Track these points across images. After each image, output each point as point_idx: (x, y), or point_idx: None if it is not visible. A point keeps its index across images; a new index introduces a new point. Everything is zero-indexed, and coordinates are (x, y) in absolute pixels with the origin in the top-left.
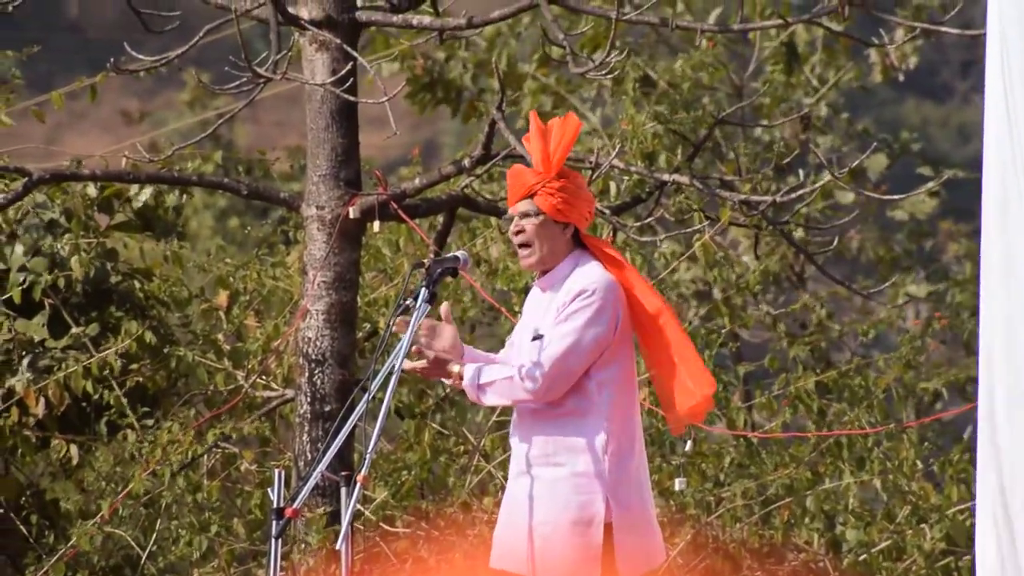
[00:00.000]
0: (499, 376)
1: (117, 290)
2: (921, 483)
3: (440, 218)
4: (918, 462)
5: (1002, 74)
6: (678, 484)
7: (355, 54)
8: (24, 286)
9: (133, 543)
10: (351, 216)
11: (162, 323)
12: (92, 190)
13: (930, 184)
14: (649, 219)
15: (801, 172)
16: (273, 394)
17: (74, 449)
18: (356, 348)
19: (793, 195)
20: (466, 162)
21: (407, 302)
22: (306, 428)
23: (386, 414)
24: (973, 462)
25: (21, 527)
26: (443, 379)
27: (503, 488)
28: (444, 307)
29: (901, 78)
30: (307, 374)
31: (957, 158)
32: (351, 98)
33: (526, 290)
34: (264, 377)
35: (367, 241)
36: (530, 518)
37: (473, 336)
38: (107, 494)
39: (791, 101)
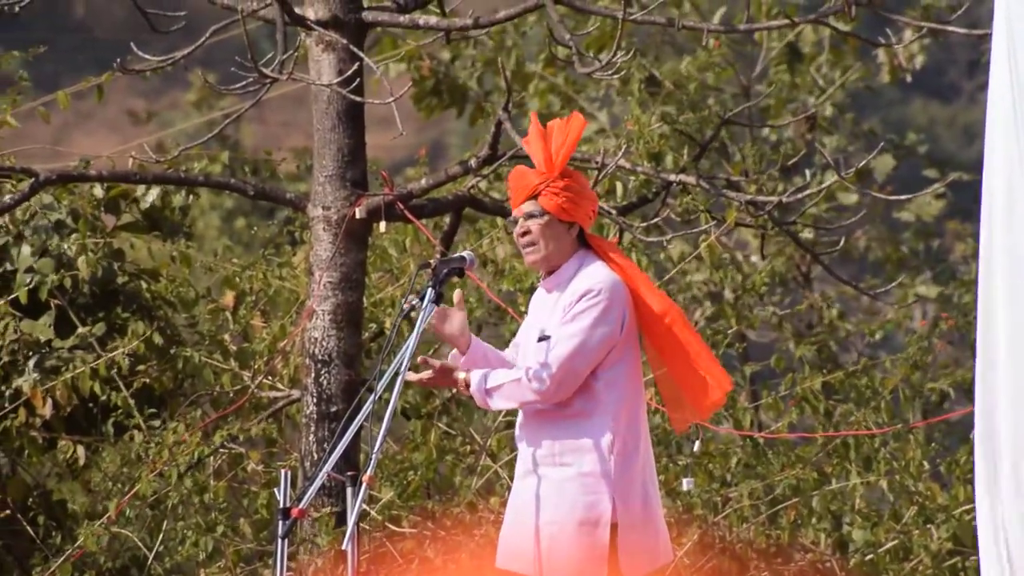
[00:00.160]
0: (506, 379)
1: (124, 291)
2: (928, 483)
3: (446, 218)
4: (925, 462)
5: (1009, 72)
6: (686, 484)
7: (361, 54)
8: (31, 286)
9: (140, 544)
10: (357, 216)
11: (169, 324)
12: (99, 191)
13: (935, 186)
14: (656, 219)
15: (808, 172)
16: (279, 394)
17: (81, 450)
18: (362, 348)
19: (799, 195)
20: (472, 162)
21: (413, 302)
22: (312, 428)
23: (392, 414)
24: None
25: (28, 528)
26: (449, 387)
27: (509, 488)
28: (457, 293)
29: (909, 79)
30: (313, 374)
31: (963, 158)
32: (357, 98)
33: (532, 290)
34: (270, 378)
35: (373, 241)
36: (537, 518)
37: (479, 337)
38: (114, 495)
39: (797, 101)
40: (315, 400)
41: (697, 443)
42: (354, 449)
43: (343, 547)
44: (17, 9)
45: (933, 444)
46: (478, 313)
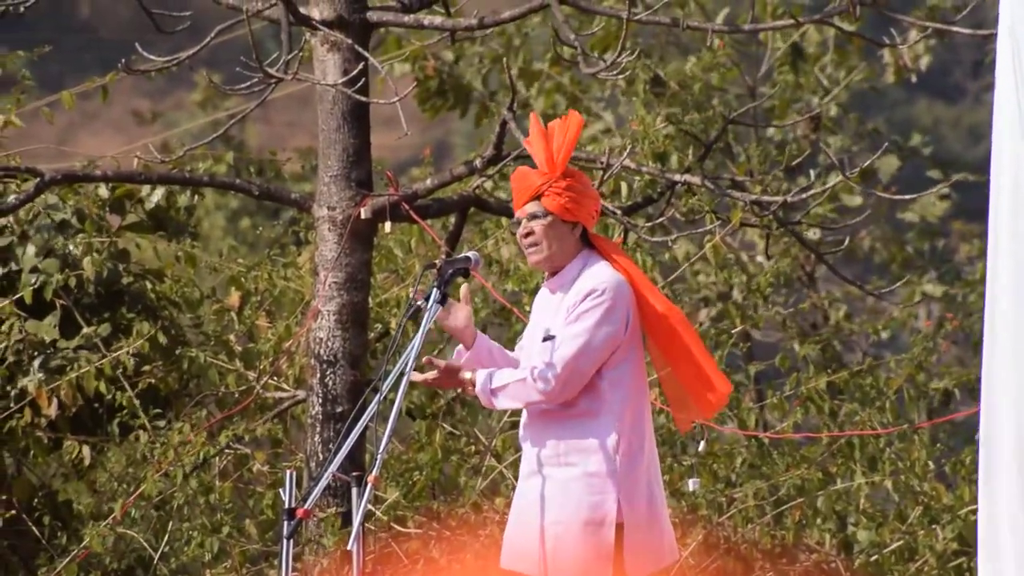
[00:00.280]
0: (511, 379)
1: (129, 291)
2: (933, 484)
3: (452, 219)
4: (930, 463)
5: (1014, 73)
6: (692, 485)
7: (366, 54)
8: (36, 286)
9: (145, 544)
10: (362, 217)
11: (174, 324)
12: (104, 191)
13: (939, 187)
14: (661, 219)
15: (812, 172)
16: (285, 395)
17: (86, 450)
18: (367, 349)
19: (804, 196)
20: (477, 162)
21: (418, 303)
22: (318, 429)
23: (397, 415)
24: None
25: (33, 528)
26: (454, 387)
27: (514, 488)
28: (464, 288)
29: (914, 79)
30: (319, 375)
31: (968, 159)
32: (362, 99)
33: (536, 291)
34: (276, 378)
35: (378, 242)
36: (542, 518)
37: None
38: (119, 495)
39: (802, 102)
40: (320, 400)
41: (702, 443)
42: (359, 449)
43: (348, 547)
44: (22, 9)
45: (938, 444)
46: (483, 313)
